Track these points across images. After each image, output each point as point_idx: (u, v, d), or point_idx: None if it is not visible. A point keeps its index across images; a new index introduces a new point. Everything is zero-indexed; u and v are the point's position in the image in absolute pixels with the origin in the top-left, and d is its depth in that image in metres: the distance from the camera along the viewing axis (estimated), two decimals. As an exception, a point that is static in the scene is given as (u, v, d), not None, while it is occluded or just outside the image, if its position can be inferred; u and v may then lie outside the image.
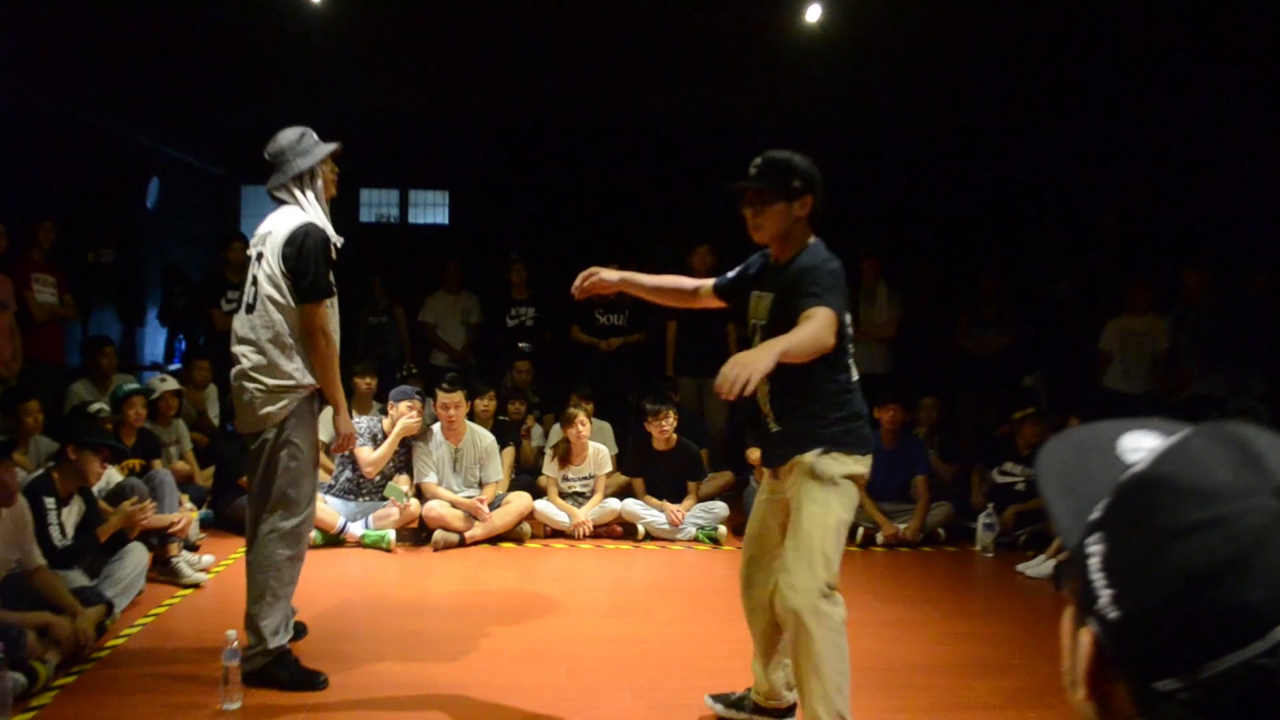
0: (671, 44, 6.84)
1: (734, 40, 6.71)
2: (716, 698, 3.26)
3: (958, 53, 6.78)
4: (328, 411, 6.25)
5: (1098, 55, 6.71)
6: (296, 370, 3.37)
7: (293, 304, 3.34)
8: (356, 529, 5.44)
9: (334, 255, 3.43)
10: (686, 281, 3.41)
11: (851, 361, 2.93)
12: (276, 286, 3.35)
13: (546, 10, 6.26)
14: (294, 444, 3.40)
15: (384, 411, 5.83)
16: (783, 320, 2.77)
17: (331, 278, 3.45)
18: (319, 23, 6.14)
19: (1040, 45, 6.60)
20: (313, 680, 3.39)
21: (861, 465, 2.88)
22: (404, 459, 5.80)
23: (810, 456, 2.80)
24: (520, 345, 7.33)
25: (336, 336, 3.50)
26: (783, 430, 2.90)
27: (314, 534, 5.31)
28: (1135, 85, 7.17)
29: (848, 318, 2.86)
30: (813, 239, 2.92)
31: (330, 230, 3.44)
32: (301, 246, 3.34)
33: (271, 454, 3.40)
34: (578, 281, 3.25)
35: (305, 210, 3.41)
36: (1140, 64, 6.75)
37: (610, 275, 3.22)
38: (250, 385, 3.38)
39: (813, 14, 6.06)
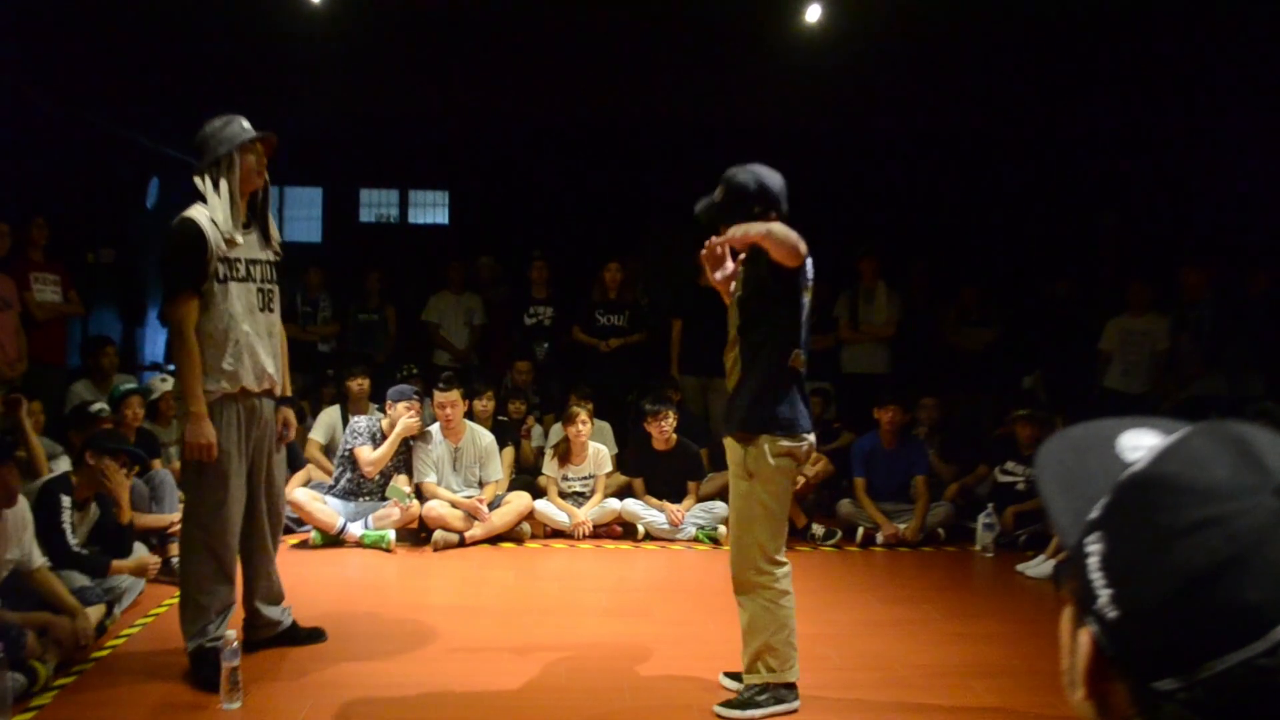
0: (672, 44, 6.84)
1: (734, 40, 6.71)
2: (728, 674, 3.46)
3: (958, 53, 6.79)
4: (328, 413, 6.29)
5: (1098, 55, 6.71)
6: None
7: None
8: (356, 529, 5.44)
9: (217, 249, 3.23)
10: None
11: (804, 352, 3.15)
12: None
13: (547, 10, 6.26)
14: (193, 460, 3.28)
15: (382, 411, 5.82)
16: (745, 317, 3.12)
17: (250, 270, 3.31)
18: (319, 23, 6.14)
19: (1040, 45, 6.60)
20: (214, 682, 3.18)
21: (794, 441, 3.08)
22: (404, 459, 5.79)
23: (740, 446, 3.09)
24: (538, 349, 7.32)
25: (251, 333, 3.33)
26: (733, 392, 3.17)
27: (314, 534, 5.34)
28: (1135, 85, 7.17)
29: (806, 303, 3.11)
30: None
31: (222, 222, 3.25)
32: (165, 241, 3.27)
33: (181, 462, 3.38)
34: (732, 239, 2.95)
35: (206, 201, 3.26)
36: (1140, 64, 6.75)
37: (758, 229, 2.91)
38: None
39: (813, 14, 6.07)
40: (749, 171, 3.08)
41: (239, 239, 3.31)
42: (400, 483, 5.67)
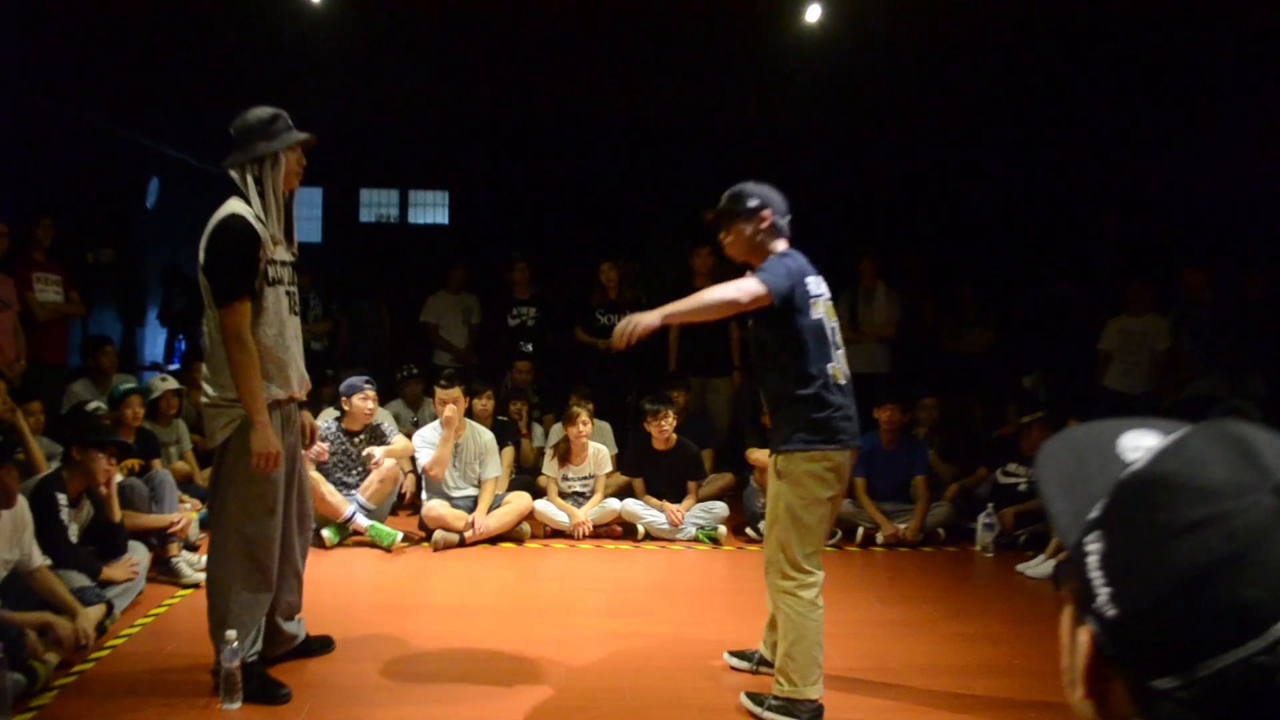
0: (671, 44, 6.84)
1: (734, 40, 6.71)
2: (733, 653, 3.65)
3: (957, 53, 6.79)
4: (328, 414, 6.27)
5: (1097, 55, 6.72)
6: (229, 383, 3.06)
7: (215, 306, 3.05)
8: (364, 520, 5.42)
9: (266, 250, 3.07)
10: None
11: (823, 365, 3.13)
12: (204, 288, 3.08)
13: (547, 10, 6.26)
14: (242, 468, 3.10)
15: (341, 409, 5.68)
16: (757, 348, 3.20)
17: (280, 272, 3.14)
18: (319, 23, 6.15)
19: (1040, 45, 6.61)
20: (273, 694, 3.20)
21: (828, 451, 3.13)
22: (373, 435, 5.73)
23: (779, 457, 3.19)
24: (522, 347, 7.33)
25: (287, 338, 3.18)
26: (771, 424, 3.28)
27: (326, 533, 5.31)
28: (1135, 85, 7.17)
29: (823, 317, 3.11)
30: (781, 246, 3.18)
31: (271, 223, 3.10)
32: (212, 242, 3.02)
33: (216, 477, 3.15)
34: (622, 336, 2.89)
35: (249, 199, 3.08)
36: (1140, 64, 6.75)
37: (650, 318, 2.91)
38: (202, 397, 3.16)
39: (813, 14, 6.07)
40: (757, 186, 3.20)
41: (281, 239, 3.17)
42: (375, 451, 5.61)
